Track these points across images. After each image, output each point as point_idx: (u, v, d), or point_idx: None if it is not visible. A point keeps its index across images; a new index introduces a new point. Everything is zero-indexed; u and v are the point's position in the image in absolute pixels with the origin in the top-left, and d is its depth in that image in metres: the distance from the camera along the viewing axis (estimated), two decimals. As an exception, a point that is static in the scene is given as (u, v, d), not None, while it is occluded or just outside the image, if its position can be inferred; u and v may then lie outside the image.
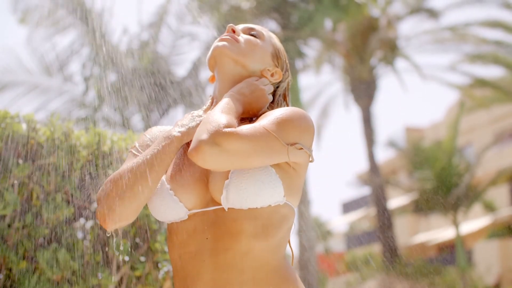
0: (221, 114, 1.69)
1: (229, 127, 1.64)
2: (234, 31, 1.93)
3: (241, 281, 1.69)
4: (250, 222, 1.71)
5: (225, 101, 1.76)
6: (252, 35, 1.95)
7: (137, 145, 1.90)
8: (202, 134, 1.63)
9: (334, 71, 22.06)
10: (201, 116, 1.83)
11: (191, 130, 1.78)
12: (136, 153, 1.86)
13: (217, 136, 1.61)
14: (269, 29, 2.05)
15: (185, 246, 1.75)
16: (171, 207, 1.76)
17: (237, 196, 1.70)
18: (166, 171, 1.81)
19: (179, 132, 1.77)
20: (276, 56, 1.96)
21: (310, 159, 1.79)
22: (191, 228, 1.75)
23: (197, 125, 1.78)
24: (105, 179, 2.95)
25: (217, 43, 1.90)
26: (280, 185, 1.72)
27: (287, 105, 1.99)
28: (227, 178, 1.71)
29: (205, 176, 1.78)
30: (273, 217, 1.74)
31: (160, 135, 1.88)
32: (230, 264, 1.69)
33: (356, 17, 14.99)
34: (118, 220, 1.73)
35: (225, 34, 1.92)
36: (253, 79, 1.89)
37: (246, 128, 1.66)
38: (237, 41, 1.90)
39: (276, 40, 2.00)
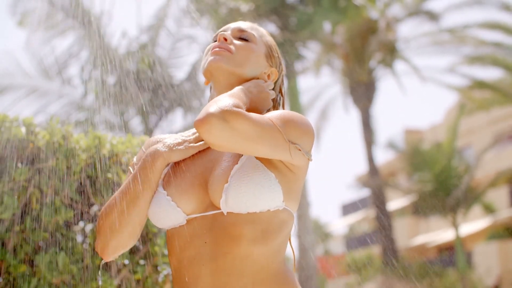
0: (231, 97, 1.68)
1: (239, 109, 1.63)
2: (226, 40, 1.90)
3: (241, 285, 1.69)
4: (249, 226, 1.71)
5: (234, 90, 1.76)
6: (243, 38, 1.92)
7: (135, 161, 1.90)
8: (211, 107, 1.60)
9: (333, 73, 22.10)
10: (188, 137, 1.83)
11: (176, 151, 1.79)
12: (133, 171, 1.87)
13: (227, 113, 1.58)
14: (268, 32, 2.02)
15: (184, 251, 1.75)
16: (169, 212, 1.76)
17: (236, 199, 1.69)
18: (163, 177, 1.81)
19: (161, 155, 1.79)
20: (269, 55, 1.95)
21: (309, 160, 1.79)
22: (190, 233, 1.75)
23: (186, 148, 1.80)
24: (104, 187, 2.95)
25: (210, 56, 1.88)
26: (279, 190, 1.71)
27: (283, 97, 2.00)
28: (227, 182, 1.71)
29: (204, 181, 1.77)
30: (272, 222, 1.73)
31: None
32: (230, 268, 1.69)
33: (355, 19, 15.00)
34: (116, 250, 1.80)
35: (217, 44, 1.89)
36: (261, 81, 1.89)
37: (254, 114, 1.65)
38: (230, 51, 1.87)
39: (267, 37, 1.98)
